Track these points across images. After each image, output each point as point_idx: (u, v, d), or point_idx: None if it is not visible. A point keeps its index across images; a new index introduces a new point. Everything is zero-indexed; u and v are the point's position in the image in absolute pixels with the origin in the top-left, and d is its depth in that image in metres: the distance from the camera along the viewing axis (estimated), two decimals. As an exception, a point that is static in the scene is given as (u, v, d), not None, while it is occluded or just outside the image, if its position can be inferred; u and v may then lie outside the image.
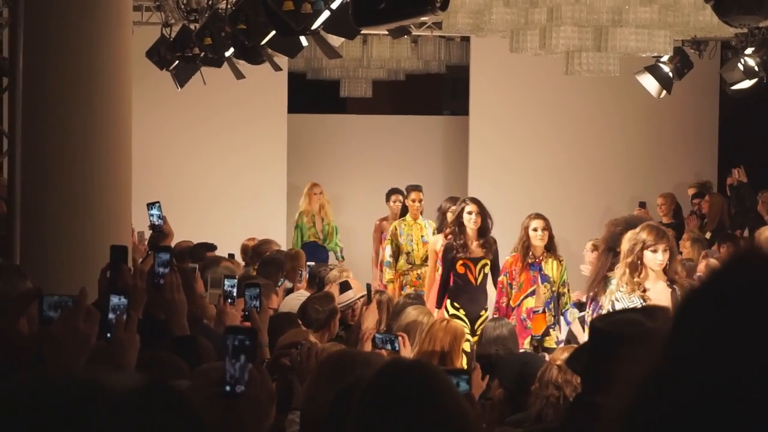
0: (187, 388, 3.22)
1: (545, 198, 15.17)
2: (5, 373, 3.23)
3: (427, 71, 17.20)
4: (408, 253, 12.72)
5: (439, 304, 10.90)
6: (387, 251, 12.85)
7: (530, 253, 10.25)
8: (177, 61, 12.29)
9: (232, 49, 10.45)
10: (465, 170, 15.97)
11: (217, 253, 10.68)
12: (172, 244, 9.88)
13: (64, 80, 7.86)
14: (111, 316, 3.62)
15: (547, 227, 10.24)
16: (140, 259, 4.85)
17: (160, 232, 8.87)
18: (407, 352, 6.41)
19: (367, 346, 7.15)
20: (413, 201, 12.97)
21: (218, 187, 15.41)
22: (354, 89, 17.54)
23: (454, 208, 11.30)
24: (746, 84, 12.51)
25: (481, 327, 10.05)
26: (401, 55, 16.26)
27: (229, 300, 5.90)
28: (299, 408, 4.27)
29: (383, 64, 16.67)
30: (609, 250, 8.39)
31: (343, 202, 15.89)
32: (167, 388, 1.33)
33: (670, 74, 13.23)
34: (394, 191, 14.38)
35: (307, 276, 9.60)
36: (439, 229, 12.00)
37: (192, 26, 11.44)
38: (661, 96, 13.44)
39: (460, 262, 10.80)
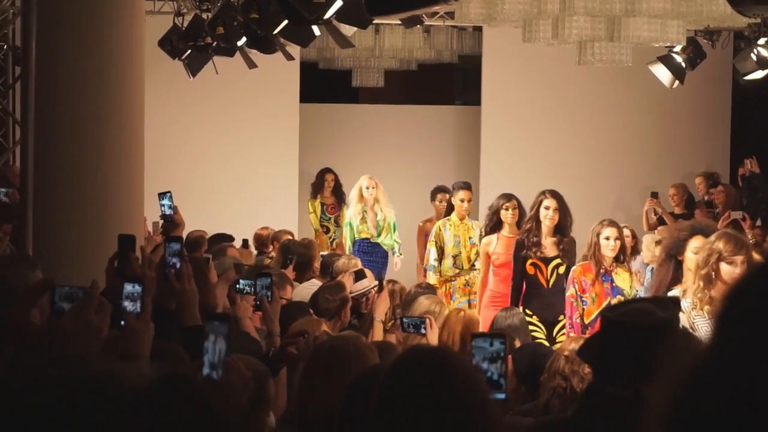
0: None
1: (557, 187, 15.03)
2: (18, 364, 3.24)
3: (440, 61, 17.18)
4: (455, 257, 11.58)
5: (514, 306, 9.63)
6: (431, 254, 11.68)
7: (600, 263, 9.17)
8: (189, 51, 12.29)
9: (244, 39, 10.46)
10: (477, 160, 15.96)
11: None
12: (184, 234, 9.89)
13: (77, 69, 7.87)
14: (125, 304, 3.62)
15: (620, 236, 9.26)
16: (150, 249, 4.85)
17: (171, 221, 8.87)
18: (434, 334, 6.42)
19: (377, 335, 7.17)
20: (461, 200, 11.73)
21: (230, 177, 15.42)
22: (366, 79, 17.53)
23: (506, 204, 10.64)
24: (759, 74, 12.47)
25: (560, 334, 9.47)
26: (413, 45, 16.24)
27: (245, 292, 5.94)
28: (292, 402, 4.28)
29: (395, 54, 16.65)
30: (671, 259, 7.65)
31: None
32: (184, 380, 1.33)
33: (683, 64, 13.20)
34: (439, 189, 13.71)
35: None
36: (489, 229, 10.91)
37: (204, 15, 11.44)
38: (674, 86, 13.42)
39: (530, 261, 9.87)
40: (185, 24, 12.11)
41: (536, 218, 9.87)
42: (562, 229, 9.86)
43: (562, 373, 5.29)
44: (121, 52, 8.01)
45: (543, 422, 4.37)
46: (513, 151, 15.69)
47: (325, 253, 11.52)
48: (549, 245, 9.86)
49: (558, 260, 9.82)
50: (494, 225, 10.79)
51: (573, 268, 9.41)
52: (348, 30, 9.52)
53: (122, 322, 3.54)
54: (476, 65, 16.45)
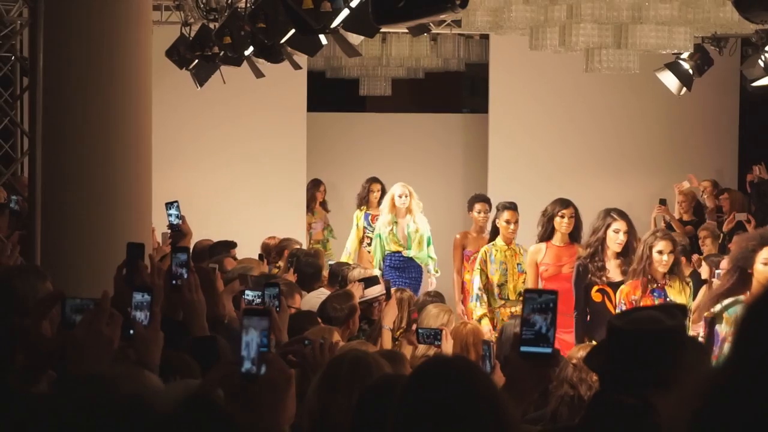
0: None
1: (565, 195, 15.10)
2: (29, 377, 3.24)
3: (447, 69, 17.18)
4: (500, 286, 10.58)
5: (580, 339, 8.80)
6: (476, 282, 10.64)
7: (652, 278, 8.49)
8: (196, 60, 12.30)
9: (251, 48, 10.46)
10: (485, 168, 15.95)
11: (237, 250, 10.70)
12: (192, 244, 9.89)
13: (84, 80, 7.88)
14: (134, 313, 3.62)
15: (674, 249, 8.54)
16: (158, 259, 4.85)
17: (178, 231, 8.88)
18: (449, 346, 6.44)
19: (386, 343, 7.17)
20: (507, 222, 10.71)
21: (237, 186, 15.42)
22: (373, 87, 17.54)
23: (562, 211, 9.92)
24: (767, 80, 12.45)
25: None
26: (420, 53, 16.25)
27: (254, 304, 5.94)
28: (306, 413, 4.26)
29: (402, 62, 16.66)
30: (737, 270, 7.30)
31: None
32: (210, 403, 1.33)
33: (690, 71, 13.19)
34: (478, 198, 12.46)
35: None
36: (542, 237, 10.15)
37: (211, 25, 11.44)
38: (681, 93, 13.40)
39: (596, 288, 9.02)
40: (192, 34, 12.12)
41: (602, 241, 9.05)
42: (627, 250, 9.01)
43: (570, 382, 5.28)
44: (129, 62, 8.02)
45: (551, 431, 4.37)
46: (521, 159, 15.68)
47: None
48: (613, 268, 9.08)
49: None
50: (547, 233, 10.04)
51: (620, 288, 8.65)
52: (355, 39, 9.51)
53: (131, 332, 3.54)
54: (483, 73, 16.45)
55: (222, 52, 11.13)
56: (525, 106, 15.77)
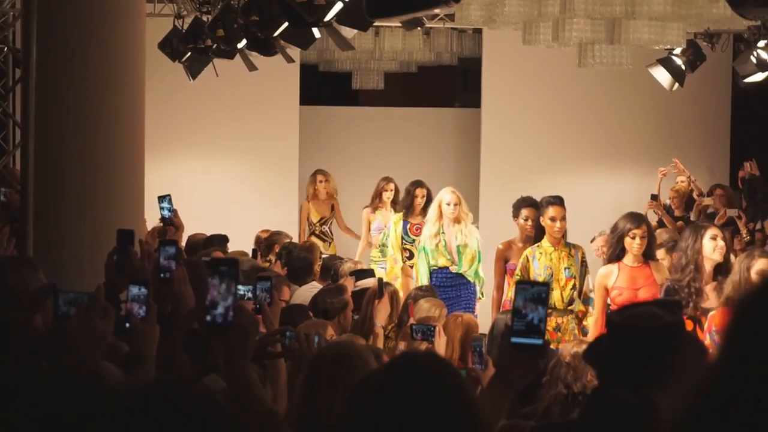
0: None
1: (556, 191, 15.08)
2: (22, 369, 3.24)
3: (439, 63, 17.19)
4: None
5: None
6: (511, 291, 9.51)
7: None
8: (189, 53, 12.29)
9: (244, 41, 10.45)
10: (477, 162, 15.95)
11: (230, 244, 10.71)
12: (184, 237, 9.88)
13: (77, 71, 7.87)
14: (131, 306, 3.63)
15: None
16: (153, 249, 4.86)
17: (171, 224, 8.88)
18: (442, 342, 6.45)
19: (379, 342, 7.18)
20: (552, 219, 9.54)
21: (230, 179, 15.43)
22: (366, 81, 17.54)
23: (633, 230, 8.68)
24: (759, 77, 12.46)
25: None
26: (413, 47, 16.25)
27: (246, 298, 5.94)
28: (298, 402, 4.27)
29: (395, 56, 16.67)
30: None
31: (355, 194, 15.86)
32: (171, 388, 1.32)
33: (683, 67, 13.21)
34: (526, 203, 10.62)
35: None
36: (612, 258, 8.89)
37: (204, 18, 11.44)
38: (674, 88, 13.42)
39: (687, 316, 7.65)
40: (185, 26, 12.10)
41: (694, 255, 7.92)
42: (723, 267, 7.91)
43: (564, 380, 5.28)
44: (122, 54, 8.01)
45: (547, 426, 4.38)
46: (513, 154, 15.69)
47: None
48: (710, 291, 7.93)
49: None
50: (616, 253, 8.81)
51: (710, 314, 7.55)
52: (348, 32, 9.51)
53: (127, 325, 3.55)
54: (476, 67, 16.45)
55: (215, 45, 11.13)
56: (518, 101, 15.78)
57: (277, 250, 10.42)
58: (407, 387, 2.83)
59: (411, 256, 11.79)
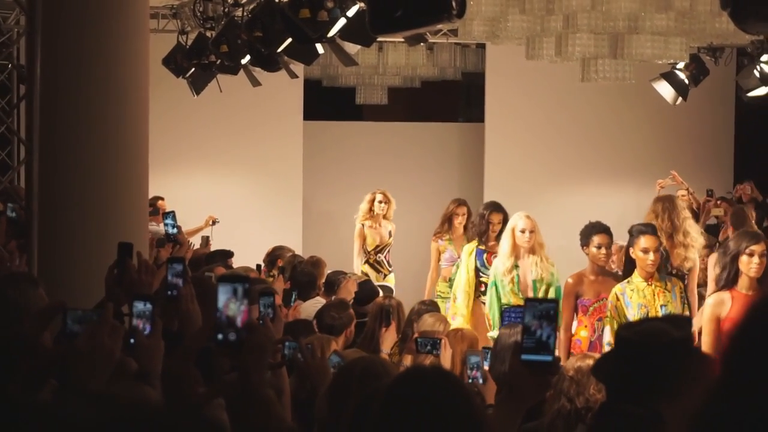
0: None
1: (560, 205, 15.18)
2: (28, 386, 3.25)
3: (443, 78, 17.21)
4: None
5: None
6: (606, 335, 8.65)
7: None
8: (193, 69, 12.32)
9: (248, 57, 10.47)
10: (481, 177, 15.97)
11: (234, 259, 10.72)
12: (189, 253, 9.90)
13: (81, 88, 7.88)
14: (135, 322, 3.63)
15: None
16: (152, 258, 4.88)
17: (174, 241, 8.90)
18: (447, 355, 6.45)
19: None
20: (645, 251, 8.33)
21: (233, 194, 15.44)
22: (369, 96, 17.56)
23: (750, 247, 7.61)
24: (762, 91, 12.48)
25: None
26: (417, 62, 16.28)
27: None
28: (316, 420, 4.27)
29: (399, 71, 16.68)
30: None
31: (358, 210, 15.87)
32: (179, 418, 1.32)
33: (686, 81, 13.23)
34: (597, 228, 9.29)
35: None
36: (725, 283, 7.69)
37: (208, 34, 11.46)
38: (677, 103, 13.44)
39: None
40: (189, 42, 12.13)
41: None
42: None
43: (567, 395, 5.28)
44: (126, 70, 8.02)
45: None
46: (517, 169, 15.70)
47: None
48: None
49: None
50: (731, 277, 7.66)
51: None
52: (352, 48, 9.53)
53: (132, 341, 3.55)
54: (480, 82, 16.48)
55: (219, 61, 11.15)
56: (521, 116, 15.80)
57: (280, 265, 10.43)
58: (414, 402, 2.84)
59: (485, 291, 10.24)
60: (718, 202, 14.05)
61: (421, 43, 12.99)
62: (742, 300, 7.52)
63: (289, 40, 8.59)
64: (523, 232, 9.61)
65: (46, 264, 7.78)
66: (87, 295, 5.45)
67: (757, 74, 12.32)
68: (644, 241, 8.29)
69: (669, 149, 16.00)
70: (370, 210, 12.89)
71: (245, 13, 9.62)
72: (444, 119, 18.68)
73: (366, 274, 11.92)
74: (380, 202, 12.95)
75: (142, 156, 8.27)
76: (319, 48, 9.51)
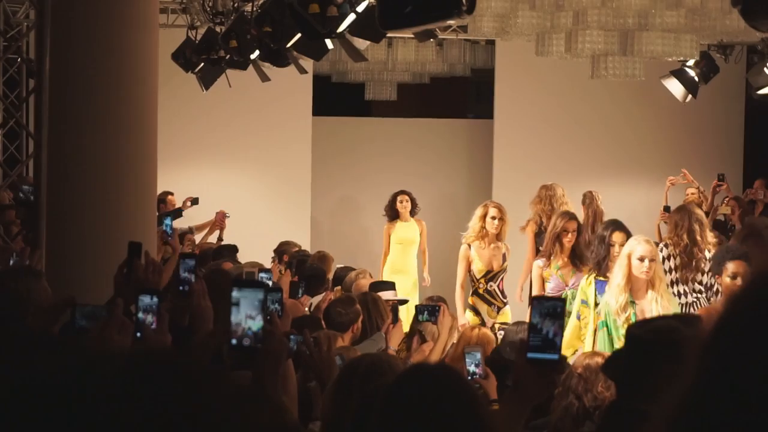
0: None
1: (569, 202, 15.13)
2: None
3: (452, 74, 17.19)
4: None
5: None
6: None
7: None
8: (202, 64, 12.31)
9: (257, 52, 10.46)
10: (489, 173, 15.95)
11: (240, 254, 10.72)
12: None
13: (91, 82, 7.88)
14: (141, 316, 3.63)
15: None
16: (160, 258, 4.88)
17: (167, 244, 9.02)
18: (446, 322, 6.44)
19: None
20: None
21: (243, 190, 15.43)
22: (379, 92, 17.56)
23: None
24: (772, 88, 12.46)
25: None
26: (426, 58, 16.27)
27: None
28: (320, 417, 4.26)
29: (408, 67, 16.68)
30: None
31: (366, 206, 15.87)
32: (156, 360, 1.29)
33: (696, 78, 13.20)
34: (732, 254, 7.66)
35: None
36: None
37: (218, 29, 11.46)
38: (687, 100, 13.41)
39: None
40: (198, 37, 12.13)
41: None
42: None
43: (576, 392, 5.27)
44: (135, 65, 8.02)
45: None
46: (526, 165, 15.68)
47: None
48: None
49: None
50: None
51: None
52: (361, 44, 9.51)
53: (138, 335, 3.55)
54: (489, 79, 16.46)
55: (228, 56, 11.14)
56: (530, 112, 15.78)
57: (286, 260, 10.43)
58: (417, 399, 2.83)
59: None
60: (726, 200, 14.02)
61: (431, 39, 12.97)
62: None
63: (299, 35, 8.58)
64: (641, 260, 7.60)
65: (54, 257, 7.78)
66: (94, 289, 5.46)
67: (767, 72, 12.29)
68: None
69: (679, 147, 15.97)
70: (482, 228, 10.47)
71: (255, 8, 9.61)
72: (453, 115, 18.68)
73: (475, 309, 10.44)
74: (493, 218, 10.47)
75: (151, 150, 8.27)
76: (329, 43, 9.49)
